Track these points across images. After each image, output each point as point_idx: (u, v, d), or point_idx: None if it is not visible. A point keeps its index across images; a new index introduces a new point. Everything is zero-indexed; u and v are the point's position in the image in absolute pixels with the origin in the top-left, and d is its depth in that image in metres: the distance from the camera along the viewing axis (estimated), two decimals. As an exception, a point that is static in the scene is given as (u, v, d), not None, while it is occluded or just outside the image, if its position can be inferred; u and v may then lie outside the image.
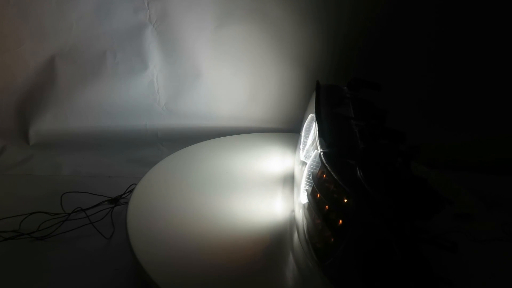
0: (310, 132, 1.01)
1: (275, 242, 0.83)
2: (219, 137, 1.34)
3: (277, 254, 0.80)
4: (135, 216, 0.89)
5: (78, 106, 1.48)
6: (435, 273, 0.61)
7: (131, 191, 1.09)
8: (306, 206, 0.80)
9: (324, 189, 0.74)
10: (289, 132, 1.44)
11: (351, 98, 1.03)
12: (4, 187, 1.26)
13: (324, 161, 0.75)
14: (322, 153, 0.78)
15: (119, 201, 1.14)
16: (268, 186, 1.04)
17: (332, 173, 0.71)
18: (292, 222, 0.89)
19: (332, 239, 0.69)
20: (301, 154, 1.00)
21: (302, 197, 0.84)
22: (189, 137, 1.43)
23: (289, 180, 1.06)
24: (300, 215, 0.84)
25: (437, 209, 0.74)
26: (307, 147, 1.00)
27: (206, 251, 0.80)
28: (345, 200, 0.68)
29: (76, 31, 1.39)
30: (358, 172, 0.70)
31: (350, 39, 1.38)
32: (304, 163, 0.92)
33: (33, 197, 1.17)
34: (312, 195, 0.78)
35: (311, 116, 1.03)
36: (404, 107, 1.33)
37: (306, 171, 0.85)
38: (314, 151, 0.87)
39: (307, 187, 0.83)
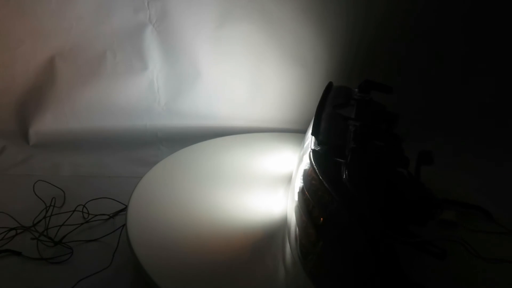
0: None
1: (267, 239, 0.84)
2: (219, 137, 1.34)
3: (266, 250, 0.81)
4: (135, 216, 0.89)
5: (78, 106, 1.48)
6: (407, 276, 0.60)
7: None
8: (297, 203, 0.81)
9: (310, 186, 0.75)
10: (289, 132, 1.44)
11: (358, 99, 1.02)
12: (4, 187, 1.26)
13: (311, 158, 0.76)
14: (311, 150, 0.79)
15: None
16: (269, 185, 1.04)
17: (317, 170, 0.72)
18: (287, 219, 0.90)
19: (314, 237, 0.70)
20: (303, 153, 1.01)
21: (295, 195, 0.85)
22: (189, 137, 1.43)
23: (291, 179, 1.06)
24: (292, 212, 0.84)
25: (430, 215, 0.74)
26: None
27: (204, 249, 0.81)
28: (327, 198, 0.69)
29: (76, 31, 1.39)
30: (344, 171, 0.70)
31: (352, 38, 1.38)
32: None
33: (33, 197, 1.17)
34: (301, 192, 0.79)
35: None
36: (412, 111, 1.33)
37: (301, 169, 0.86)
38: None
39: (300, 185, 0.84)
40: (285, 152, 1.22)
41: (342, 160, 0.75)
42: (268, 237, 0.85)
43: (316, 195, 0.72)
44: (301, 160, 0.96)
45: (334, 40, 1.39)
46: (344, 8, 1.34)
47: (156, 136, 1.52)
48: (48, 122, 1.48)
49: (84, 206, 1.11)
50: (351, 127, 0.87)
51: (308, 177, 0.77)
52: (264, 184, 1.04)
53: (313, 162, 0.76)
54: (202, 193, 0.99)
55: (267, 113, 1.52)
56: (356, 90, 1.09)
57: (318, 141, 0.82)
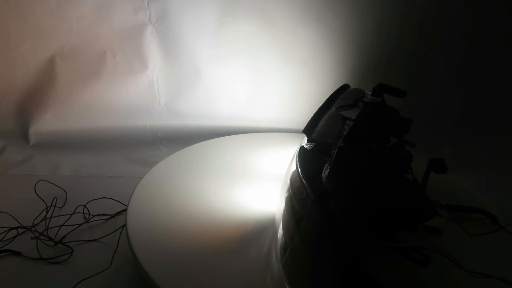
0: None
1: (259, 235, 0.85)
2: (219, 137, 1.34)
3: (253, 246, 0.82)
4: (135, 216, 0.89)
5: (78, 106, 1.48)
6: (369, 276, 0.59)
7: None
8: (284, 199, 0.82)
9: (294, 183, 0.75)
10: (289, 132, 1.44)
11: (367, 102, 1.00)
12: (4, 187, 1.26)
13: (297, 155, 0.76)
14: (300, 148, 0.79)
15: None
16: (267, 185, 1.04)
17: (298, 166, 0.73)
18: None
19: (292, 232, 0.70)
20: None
21: (284, 191, 0.86)
22: (189, 137, 1.43)
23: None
24: (282, 208, 0.85)
25: (418, 221, 0.73)
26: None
27: (205, 249, 0.81)
28: (304, 194, 0.69)
29: (76, 31, 1.39)
30: (325, 169, 0.70)
31: (352, 38, 1.38)
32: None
33: (34, 197, 1.17)
34: (287, 188, 0.79)
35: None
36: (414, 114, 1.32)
37: (291, 167, 0.86)
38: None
39: (288, 182, 0.84)
40: (285, 152, 1.22)
41: (328, 159, 0.75)
42: (259, 233, 0.85)
43: (298, 191, 0.72)
44: (293, 158, 0.97)
45: (334, 41, 1.39)
46: (344, 8, 1.34)
47: (156, 136, 1.52)
48: (48, 122, 1.48)
49: (84, 206, 1.11)
50: (345, 127, 0.87)
51: (293, 174, 0.78)
52: (263, 184, 1.05)
53: (296, 158, 0.76)
54: (202, 193, 0.99)
55: (267, 113, 1.52)
56: (369, 93, 1.07)
57: (309, 139, 0.83)
